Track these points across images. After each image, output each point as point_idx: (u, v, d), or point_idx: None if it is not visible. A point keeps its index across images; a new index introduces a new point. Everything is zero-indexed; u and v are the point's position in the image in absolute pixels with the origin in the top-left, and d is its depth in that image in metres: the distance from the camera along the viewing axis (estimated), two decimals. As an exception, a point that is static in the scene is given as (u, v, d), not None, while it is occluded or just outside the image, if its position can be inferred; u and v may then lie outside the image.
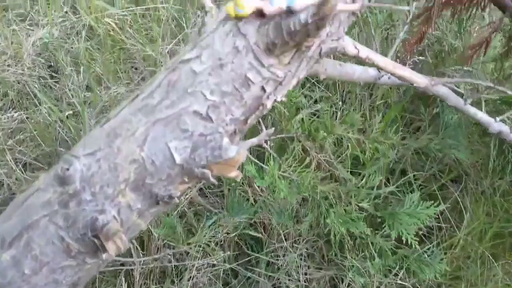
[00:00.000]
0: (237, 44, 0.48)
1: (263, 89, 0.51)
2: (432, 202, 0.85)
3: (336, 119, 0.99)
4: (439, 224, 1.16)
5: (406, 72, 0.60)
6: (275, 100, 0.54)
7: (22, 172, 1.21)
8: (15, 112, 1.35)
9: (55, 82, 1.46)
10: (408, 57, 0.65)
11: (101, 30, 1.47)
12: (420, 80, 0.61)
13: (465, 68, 0.70)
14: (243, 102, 0.51)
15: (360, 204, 0.85)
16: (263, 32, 0.47)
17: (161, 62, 1.32)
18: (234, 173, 0.52)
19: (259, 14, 0.47)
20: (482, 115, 0.71)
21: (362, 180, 0.98)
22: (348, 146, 0.93)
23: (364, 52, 0.57)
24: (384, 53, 0.66)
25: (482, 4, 0.55)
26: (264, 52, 0.48)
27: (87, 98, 1.38)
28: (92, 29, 1.53)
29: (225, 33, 0.48)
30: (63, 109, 1.36)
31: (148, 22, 1.46)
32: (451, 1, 0.57)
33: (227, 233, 1.13)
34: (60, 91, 1.43)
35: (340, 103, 1.03)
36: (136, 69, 1.47)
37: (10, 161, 1.19)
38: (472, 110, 0.69)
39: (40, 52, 1.51)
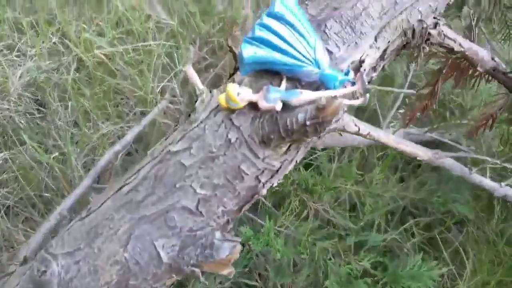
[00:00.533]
0: (230, 136, 0.44)
1: (257, 179, 0.47)
2: (436, 263, 0.81)
3: (333, 163, 0.95)
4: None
5: (409, 148, 0.57)
6: (271, 186, 0.50)
7: (4, 217, 1.16)
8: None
9: (42, 117, 1.41)
10: (408, 125, 0.62)
11: (90, 62, 1.43)
12: (423, 154, 0.58)
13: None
14: (236, 193, 0.46)
15: (360, 263, 0.80)
16: (257, 125, 0.43)
17: (154, 101, 1.28)
18: (227, 271, 0.47)
19: (254, 105, 0.43)
20: (487, 182, 0.68)
21: (361, 231, 0.94)
22: (346, 197, 0.89)
23: (365, 129, 0.53)
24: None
25: (486, 77, 0.52)
26: (259, 144, 0.44)
27: (75, 135, 1.33)
28: (82, 60, 1.49)
29: (216, 124, 0.44)
30: (50, 146, 1.30)
31: (138, 55, 1.42)
32: (453, 73, 0.54)
33: (220, 283, 1.08)
34: (47, 127, 1.38)
35: (338, 149, 0.99)
36: (126, 102, 1.42)
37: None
38: (478, 179, 0.66)
39: (27, 86, 1.46)
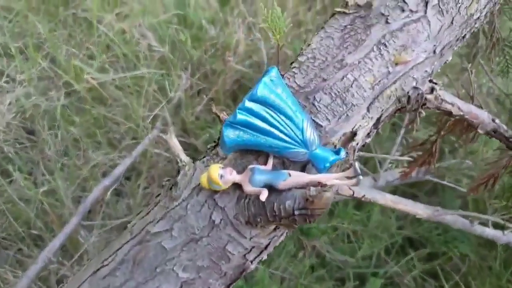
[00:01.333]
0: (213, 217, 0.41)
1: (245, 257, 0.43)
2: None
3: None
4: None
5: (408, 207, 0.54)
6: (260, 260, 0.46)
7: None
8: (-13, 184, 1.26)
9: (32, 146, 1.37)
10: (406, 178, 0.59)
11: (80, 88, 1.40)
12: (422, 212, 0.55)
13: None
14: (222, 274, 0.43)
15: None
16: (243, 206, 0.40)
17: (145, 130, 1.25)
18: None
19: (239, 184, 0.40)
20: (489, 232, 0.65)
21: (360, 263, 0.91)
22: (344, 236, 0.86)
23: (359, 192, 0.50)
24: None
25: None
26: (245, 225, 0.41)
27: (65, 166, 1.29)
28: (72, 85, 1.45)
29: (199, 203, 0.41)
30: (39, 177, 1.27)
31: (129, 81, 1.39)
32: (452, 131, 0.51)
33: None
34: (36, 158, 1.35)
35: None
36: (117, 130, 1.39)
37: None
38: (479, 230, 0.63)
39: (16, 113, 1.42)
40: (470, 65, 0.55)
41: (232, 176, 0.38)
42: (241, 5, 1.40)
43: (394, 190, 0.98)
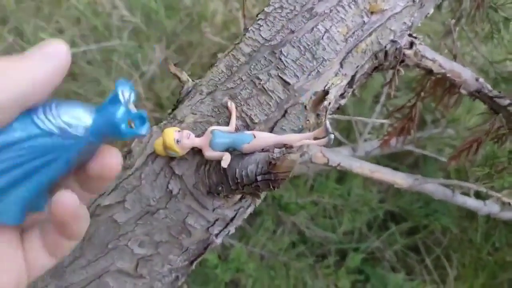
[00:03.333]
0: (171, 187, 0.37)
1: (208, 231, 0.40)
2: (418, 283, 0.76)
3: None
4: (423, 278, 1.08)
5: (387, 175, 0.50)
6: (227, 233, 0.43)
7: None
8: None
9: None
10: (385, 146, 0.55)
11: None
12: (402, 181, 0.51)
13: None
14: (183, 249, 0.39)
15: (339, 285, 0.75)
16: (203, 174, 0.36)
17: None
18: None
19: (199, 149, 0.36)
20: (471, 203, 0.62)
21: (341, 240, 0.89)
22: (324, 212, 0.83)
23: (335, 159, 0.46)
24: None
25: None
26: (206, 195, 0.37)
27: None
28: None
29: (154, 172, 0.37)
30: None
31: (100, 55, 1.32)
32: (433, 93, 0.48)
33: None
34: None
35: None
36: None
37: None
38: (461, 200, 0.61)
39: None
40: (452, 21, 0.51)
41: (190, 140, 0.34)
42: (217, -27, 1.33)
43: (376, 163, 0.95)
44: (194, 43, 1.28)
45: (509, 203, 0.58)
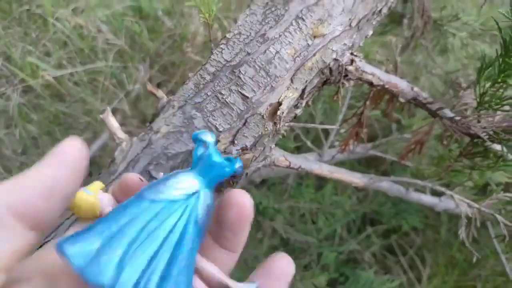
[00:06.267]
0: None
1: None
2: (387, 278, 0.82)
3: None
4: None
5: (344, 175, 0.57)
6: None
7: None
8: None
9: (-11, 145, 1.34)
10: (344, 151, 0.62)
11: (37, 85, 1.38)
12: (358, 180, 0.58)
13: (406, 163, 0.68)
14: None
15: (315, 283, 0.81)
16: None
17: (103, 124, 1.24)
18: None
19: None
20: (426, 199, 0.69)
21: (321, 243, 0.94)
22: (302, 214, 0.89)
23: (296, 162, 0.53)
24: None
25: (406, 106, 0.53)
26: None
27: (23, 164, 1.28)
28: (29, 83, 1.43)
29: (134, 177, 0.43)
30: (-1, 177, 1.25)
31: (87, 76, 1.38)
32: (378, 103, 0.55)
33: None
34: (-6, 157, 1.32)
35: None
36: (76, 126, 1.38)
37: None
38: (416, 196, 0.67)
39: (-29, 113, 1.39)
40: (395, 39, 0.59)
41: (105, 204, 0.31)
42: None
43: (350, 169, 1.02)
44: (176, 62, 1.35)
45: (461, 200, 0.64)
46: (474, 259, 0.58)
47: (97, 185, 0.31)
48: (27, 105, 1.37)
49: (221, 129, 0.42)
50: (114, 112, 1.28)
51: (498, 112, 0.46)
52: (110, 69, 1.28)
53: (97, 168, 1.24)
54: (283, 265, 0.30)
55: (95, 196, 0.30)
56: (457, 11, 0.82)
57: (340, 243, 1.13)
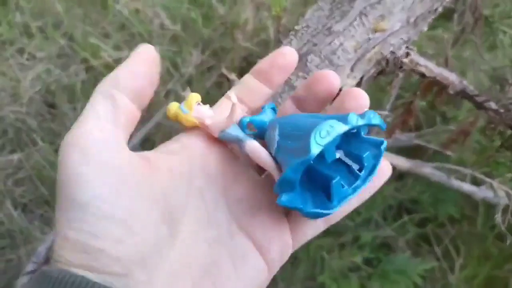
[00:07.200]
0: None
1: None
2: (421, 260, 0.87)
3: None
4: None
5: (390, 158, 0.62)
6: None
7: (21, 215, 1.23)
8: (13, 152, 1.37)
9: (53, 118, 1.47)
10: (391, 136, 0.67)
11: (98, 63, 1.49)
12: (403, 164, 0.63)
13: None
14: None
15: (353, 260, 0.87)
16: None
17: (158, 103, 1.34)
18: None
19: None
20: (466, 187, 0.73)
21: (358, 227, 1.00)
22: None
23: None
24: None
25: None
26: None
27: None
28: (89, 62, 1.54)
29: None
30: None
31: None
32: (426, 91, 0.59)
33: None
34: (58, 128, 1.45)
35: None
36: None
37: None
38: (456, 184, 0.71)
39: (38, 88, 1.52)
40: (446, 36, 0.62)
41: (209, 113, 0.31)
42: (249, -16, 1.46)
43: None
44: (226, 48, 1.42)
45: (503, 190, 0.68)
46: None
47: (193, 98, 0.32)
48: (88, 83, 1.48)
49: (287, 110, 0.49)
50: (167, 93, 1.37)
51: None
52: (166, 53, 1.37)
53: (152, 145, 1.34)
54: (356, 98, 0.32)
55: (190, 114, 0.32)
56: (510, 9, 0.84)
57: (375, 229, 1.18)
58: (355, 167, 0.29)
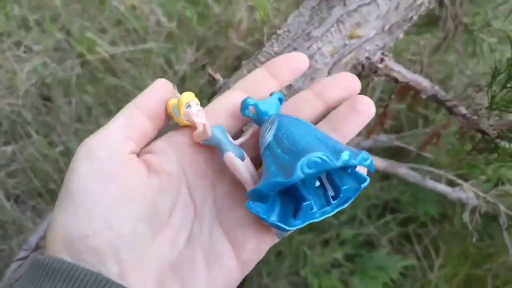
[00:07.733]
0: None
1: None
2: (400, 257, 0.90)
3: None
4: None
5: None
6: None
7: (14, 206, 1.26)
8: (8, 144, 1.39)
9: (48, 111, 1.50)
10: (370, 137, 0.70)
11: (93, 60, 1.51)
12: (379, 163, 0.66)
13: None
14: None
15: (334, 256, 0.90)
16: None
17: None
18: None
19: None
20: (440, 188, 0.76)
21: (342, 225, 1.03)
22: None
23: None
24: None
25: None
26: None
27: (78, 130, 1.42)
28: (85, 57, 1.57)
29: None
30: (55, 140, 1.40)
31: (138, 54, 1.50)
32: (401, 95, 0.62)
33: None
34: (53, 121, 1.47)
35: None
36: (127, 99, 1.51)
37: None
38: (431, 184, 0.74)
39: (34, 81, 1.54)
40: (423, 42, 0.65)
41: (199, 117, 0.32)
42: (244, -15, 1.49)
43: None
44: (220, 47, 1.45)
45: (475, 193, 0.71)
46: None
47: (184, 99, 0.33)
48: (83, 77, 1.51)
49: (267, 109, 0.52)
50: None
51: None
52: (161, 50, 1.40)
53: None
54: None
55: (181, 116, 0.33)
56: (490, 18, 0.87)
57: (359, 227, 1.22)
58: (331, 193, 0.30)
